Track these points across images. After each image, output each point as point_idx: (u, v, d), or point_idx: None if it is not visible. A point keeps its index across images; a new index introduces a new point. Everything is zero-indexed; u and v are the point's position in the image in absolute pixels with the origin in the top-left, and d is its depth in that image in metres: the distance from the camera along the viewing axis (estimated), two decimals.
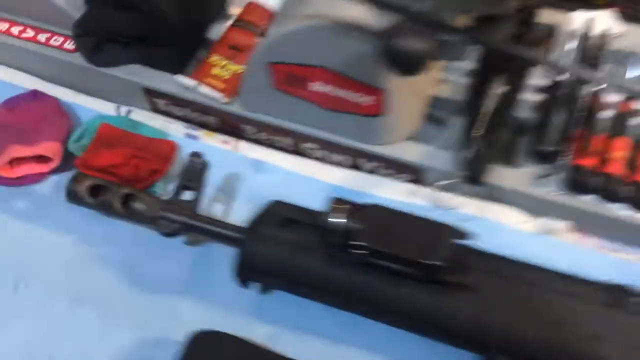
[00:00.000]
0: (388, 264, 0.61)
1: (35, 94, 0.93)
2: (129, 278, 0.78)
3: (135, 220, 0.75)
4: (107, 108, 0.94)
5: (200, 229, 0.73)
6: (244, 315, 0.74)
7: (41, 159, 0.86)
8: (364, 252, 0.61)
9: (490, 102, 0.71)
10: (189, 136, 0.91)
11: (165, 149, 0.88)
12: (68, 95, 0.95)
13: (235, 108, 0.87)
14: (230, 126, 0.89)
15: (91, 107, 0.94)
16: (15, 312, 0.78)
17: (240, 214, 0.79)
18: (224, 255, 0.74)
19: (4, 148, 0.85)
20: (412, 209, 0.66)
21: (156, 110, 0.94)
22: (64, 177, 0.85)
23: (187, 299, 0.76)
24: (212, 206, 0.81)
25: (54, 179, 0.88)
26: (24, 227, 0.84)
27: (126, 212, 0.75)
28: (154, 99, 0.91)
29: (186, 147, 0.88)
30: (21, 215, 0.85)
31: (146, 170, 0.84)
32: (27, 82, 0.97)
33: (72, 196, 0.76)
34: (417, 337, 0.67)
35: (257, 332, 0.72)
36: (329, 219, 0.62)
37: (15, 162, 0.85)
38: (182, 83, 0.87)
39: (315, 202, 0.71)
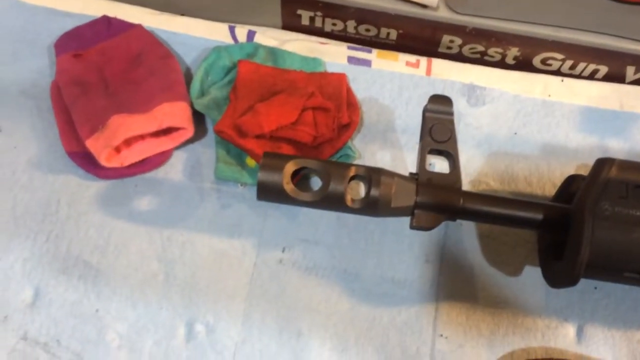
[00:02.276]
0: None
1: (108, 23, 0.59)
2: (355, 290, 0.54)
3: (370, 213, 0.49)
4: (216, 32, 0.62)
5: (496, 217, 0.48)
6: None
7: (161, 129, 0.55)
8: None
9: None
10: (355, 61, 0.62)
11: (336, 87, 0.59)
12: (149, 18, 0.62)
13: (444, 13, 0.58)
14: (419, 39, 0.61)
15: (191, 33, 0.62)
16: None
17: (467, 172, 0.57)
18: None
19: (102, 121, 0.53)
20: None
21: (292, 27, 0.63)
22: (196, 151, 0.57)
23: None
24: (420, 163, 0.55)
25: (180, 155, 0.58)
26: (166, 237, 0.55)
27: (362, 205, 0.48)
28: (298, 9, 0.60)
29: (353, 78, 0.60)
30: (156, 217, 0.56)
31: (330, 127, 0.56)
32: (79, 3, 0.62)
33: (269, 191, 0.48)
34: None
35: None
36: None
37: (123, 141, 0.54)
38: None
39: (575, 136, 0.56)
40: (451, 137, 0.51)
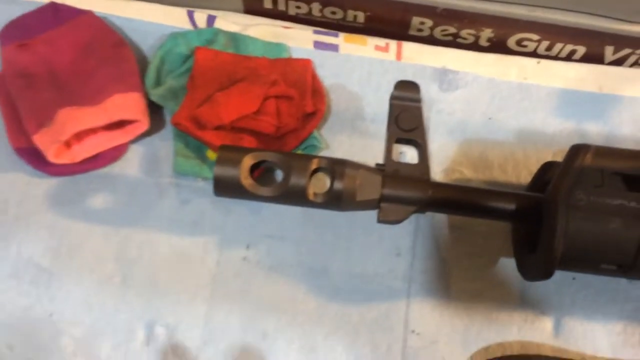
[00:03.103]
0: None
1: (55, 10, 0.56)
2: (323, 288, 0.52)
3: (335, 207, 0.46)
4: (174, 18, 0.59)
5: (466, 208, 0.46)
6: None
7: (115, 122, 0.52)
8: None
9: None
10: (321, 45, 0.59)
11: (300, 73, 0.56)
12: (101, 4, 0.58)
13: None
14: (388, 21, 0.58)
15: (147, 19, 0.59)
16: None
17: (439, 160, 0.54)
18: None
19: (49, 115, 0.50)
20: None
21: (254, 11, 0.60)
22: (153, 144, 0.54)
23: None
24: (395, 151, 0.52)
25: (136, 149, 0.55)
26: (123, 236, 0.53)
27: (325, 199, 0.45)
28: None
29: (320, 64, 0.57)
30: (111, 216, 0.53)
31: (294, 116, 0.54)
32: None
33: (226, 187, 0.45)
34: None
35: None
36: None
37: (73, 136, 0.51)
38: None
39: (553, 120, 0.54)
40: (419, 126, 0.48)
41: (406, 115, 0.48)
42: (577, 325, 0.51)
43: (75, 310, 0.50)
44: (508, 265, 0.52)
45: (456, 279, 0.52)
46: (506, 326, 0.50)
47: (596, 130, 0.57)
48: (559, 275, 0.50)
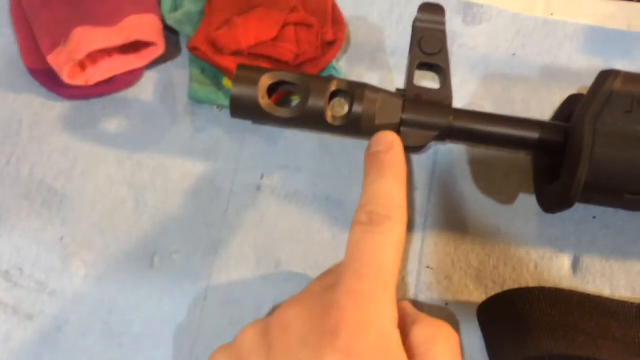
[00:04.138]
0: None
1: None
2: (338, 219, 0.51)
3: (353, 132, 0.45)
4: None
5: (488, 135, 0.44)
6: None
7: (130, 46, 0.51)
8: None
9: None
10: None
11: (320, 1, 0.55)
12: None
13: None
14: None
15: None
16: None
17: (461, 95, 0.53)
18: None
19: (64, 34, 0.49)
20: None
21: None
22: (169, 71, 0.53)
23: None
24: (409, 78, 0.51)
25: (151, 75, 0.54)
26: (136, 161, 0.52)
27: (343, 122, 0.44)
28: None
29: None
30: (125, 141, 0.52)
31: (314, 44, 0.52)
32: None
33: (243, 107, 0.44)
34: None
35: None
36: None
37: (88, 58, 0.50)
38: None
39: (579, 58, 0.53)
40: (442, 49, 0.46)
41: (430, 38, 0.46)
42: (595, 263, 0.49)
43: (87, 235, 0.50)
44: (527, 202, 0.51)
45: (473, 215, 0.51)
46: (524, 263, 0.50)
47: (623, 68, 0.54)
48: (579, 213, 0.49)
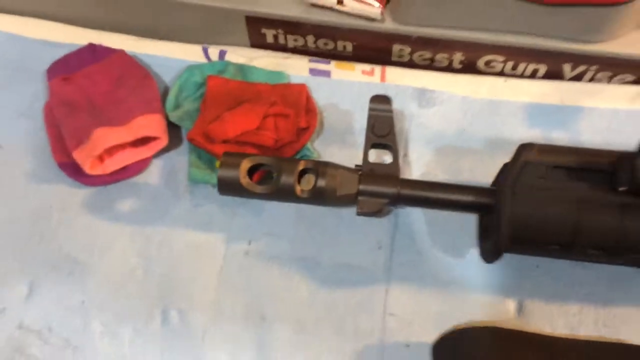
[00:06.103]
0: None
1: (93, 50, 0.67)
2: (314, 277, 0.59)
3: (320, 202, 0.55)
4: (191, 54, 0.70)
5: (431, 201, 0.53)
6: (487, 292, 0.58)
7: (139, 140, 0.62)
8: None
9: None
10: (316, 72, 0.68)
11: (296, 96, 0.65)
12: (131, 44, 0.70)
13: (389, 25, 0.64)
14: (373, 49, 0.67)
15: (169, 55, 0.70)
16: None
17: (417, 166, 0.62)
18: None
19: (86, 134, 0.60)
20: None
21: (259, 45, 0.70)
22: (172, 159, 0.64)
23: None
24: (376, 158, 0.61)
25: (158, 163, 0.65)
26: (145, 235, 0.62)
27: (310, 195, 0.54)
28: (262, 28, 0.67)
29: (315, 88, 0.66)
30: (136, 219, 0.62)
31: (290, 131, 0.63)
32: (68, 34, 0.70)
33: (228, 186, 0.54)
34: None
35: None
36: None
37: (105, 152, 0.61)
38: (314, 1, 0.64)
39: (520, 130, 0.61)
40: (391, 132, 0.56)
41: (380, 123, 0.56)
42: (536, 307, 0.57)
43: (104, 299, 0.59)
44: (477, 255, 0.59)
45: (430, 268, 0.59)
46: (475, 308, 0.57)
47: (559, 137, 0.64)
48: (523, 263, 0.57)
